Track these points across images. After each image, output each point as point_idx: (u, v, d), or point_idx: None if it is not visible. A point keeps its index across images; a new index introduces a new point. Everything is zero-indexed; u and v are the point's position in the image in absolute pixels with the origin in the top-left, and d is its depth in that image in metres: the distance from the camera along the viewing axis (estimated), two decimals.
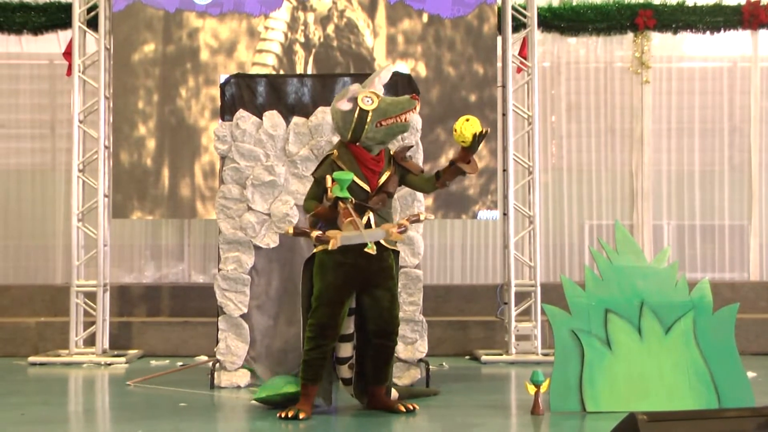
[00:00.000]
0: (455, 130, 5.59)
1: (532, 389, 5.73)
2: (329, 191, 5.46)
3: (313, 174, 5.83)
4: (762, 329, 9.05)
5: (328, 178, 5.49)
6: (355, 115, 5.61)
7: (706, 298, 5.94)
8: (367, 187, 5.65)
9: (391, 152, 5.84)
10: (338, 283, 5.64)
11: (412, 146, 6.27)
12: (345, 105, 5.65)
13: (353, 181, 5.54)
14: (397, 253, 5.87)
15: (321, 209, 5.60)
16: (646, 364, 5.84)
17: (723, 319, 5.94)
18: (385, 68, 6.02)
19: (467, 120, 5.59)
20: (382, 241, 5.65)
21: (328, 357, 5.73)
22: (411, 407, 5.82)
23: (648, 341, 5.87)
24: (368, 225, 5.58)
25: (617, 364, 5.84)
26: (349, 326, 5.82)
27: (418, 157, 6.92)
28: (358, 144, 5.71)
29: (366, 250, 5.48)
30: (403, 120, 5.62)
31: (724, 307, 5.98)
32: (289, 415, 5.56)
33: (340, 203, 5.45)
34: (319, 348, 5.63)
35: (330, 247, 5.45)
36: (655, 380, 5.81)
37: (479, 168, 6.01)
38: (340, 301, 5.65)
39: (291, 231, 5.68)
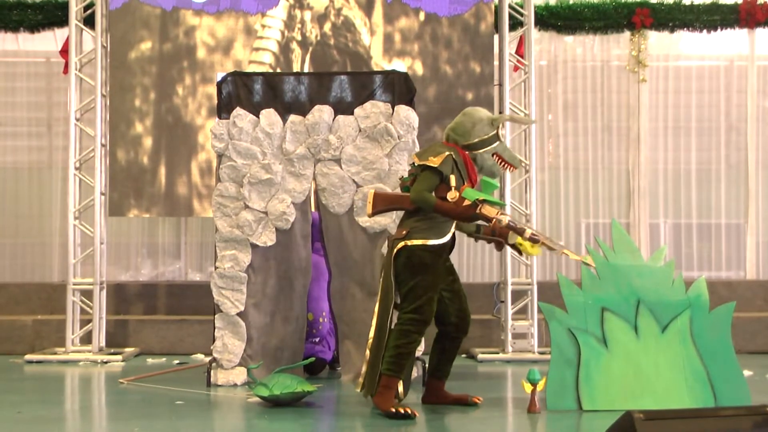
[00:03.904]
0: (521, 244, 5.94)
1: (528, 387, 5.73)
2: (457, 192, 5.58)
3: (432, 166, 5.64)
4: (758, 328, 9.06)
5: (452, 178, 5.63)
6: (491, 133, 5.82)
7: (702, 297, 5.94)
8: None
9: None
10: (438, 281, 5.74)
11: None
12: (488, 125, 5.85)
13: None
14: None
15: (458, 208, 5.58)
16: (643, 362, 5.84)
17: (719, 318, 5.94)
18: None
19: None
20: None
21: None
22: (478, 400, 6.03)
23: (644, 340, 5.87)
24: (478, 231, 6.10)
25: (614, 362, 5.84)
26: None
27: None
28: (467, 153, 5.83)
29: (583, 261, 5.96)
30: (505, 169, 5.94)
31: (721, 306, 5.98)
32: (408, 411, 5.50)
33: (490, 207, 5.53)
34: (417, 342, 5.71)
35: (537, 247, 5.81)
36: (651, 379, 5.81)
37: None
38: (437, 299, 5.76)
39: (505, 221, 5.61)
